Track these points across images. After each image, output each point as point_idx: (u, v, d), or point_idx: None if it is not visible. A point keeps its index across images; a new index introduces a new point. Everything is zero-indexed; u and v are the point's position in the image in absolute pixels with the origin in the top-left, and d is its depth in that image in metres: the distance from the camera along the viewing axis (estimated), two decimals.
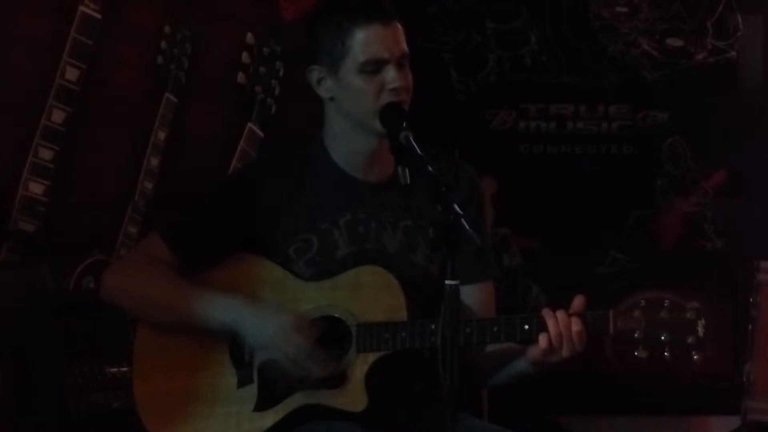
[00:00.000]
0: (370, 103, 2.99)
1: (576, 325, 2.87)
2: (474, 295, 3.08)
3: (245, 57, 4.54)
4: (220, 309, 3.02)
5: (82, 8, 4.08)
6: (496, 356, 3.05)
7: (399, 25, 3.04)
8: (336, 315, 3.01)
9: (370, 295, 2.99)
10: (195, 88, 4.43)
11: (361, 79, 3.00)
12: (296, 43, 4.53)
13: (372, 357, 2.97)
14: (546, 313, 2.89)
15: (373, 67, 2.99)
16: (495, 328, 2.91)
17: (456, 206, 2.66)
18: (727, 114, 4.93)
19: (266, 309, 3.01)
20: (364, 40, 2.99)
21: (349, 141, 3.09)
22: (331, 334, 3.02)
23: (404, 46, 3.03)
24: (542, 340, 2.88)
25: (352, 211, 3.10)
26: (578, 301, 2.91)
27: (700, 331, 2.84)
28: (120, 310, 3.20)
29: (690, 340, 2.85)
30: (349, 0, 3.03)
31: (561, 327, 2.86)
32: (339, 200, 3.10)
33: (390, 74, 2.99)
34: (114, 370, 3.86)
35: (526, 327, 2.90)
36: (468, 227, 2.63)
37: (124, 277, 3.14)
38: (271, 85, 4.58)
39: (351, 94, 3.02)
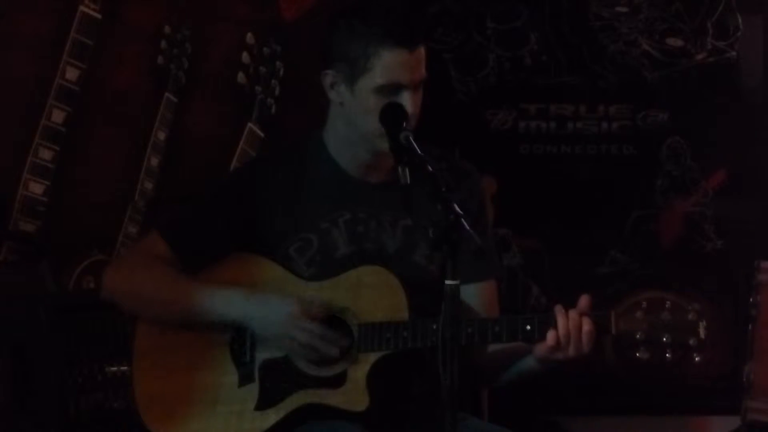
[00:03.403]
0: (378, 123, 2.97)
1: (587, 325, 2.86)
2: (476, 294, 3.07)
3: (245, 57, 4.54)
4: (224, 303, 3.02)
5: (82, 8, 4.08)
6: (503, 355, 3.05)
7: (423, 50, 3.00)
8: (337, 315, 3.01)
9: (372, 295, 2.99)
10: (195, 88, 4.43)
11: (375, 99, 2.97)
12: (296, 43, 4.55)
13: (373, 357, 2.97)
14: (558, 309, 2.88)
15: (389, 91, 2.97)
16: (497, 328, 2.91)
17: (456, 206, 2.65)
18: (727, 114, 4.93)
19: (270, 300, 3.01)
20: (388, 64, 2.95)
21: (351, 146, 3.09)
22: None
23: (424, 71, 3.00)
24: (550, 337, 2.87)
25: (351, 211, 3.09)
26: (584, 301, 2.90)
27: (702, 332, 2.84)
28: (120, 308, 3.20)
29: (691, 341, 2.84)
30: (379, 14, 2.98)
31: (570, 326, 2.86)
32: (339, 199, 3.09)
33: (405, 100, 2.96)
34: (114, 369, 3.85)
35: (528, 327, 2.89)
36: (468, 227, 2.62)
37: (124, 275, 3.14)
38: (271, 85, 4.58)
39: (362, 110, 3.00)
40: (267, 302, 3.01)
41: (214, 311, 3.03)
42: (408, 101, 2.96)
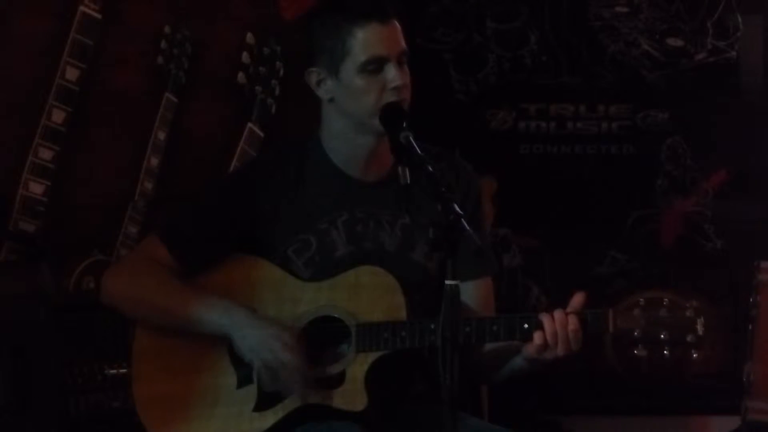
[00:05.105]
0: (372, 102, 2.99)
1: (572, 324, 2.87)
2: (473, 292, 3.08)
3: (245, 57, 4.54)
4: (215, 312, 3.02)
5: (82, 8, 4.08)
6: (495, 353, 3.05)
7: (397, 23, 3.04)
8: (335, 315, 3.01)
9: (370, 295, 3.00)
10: (195, 88, 4.42)
11: (362, 79, 3.00)
12: (296, 43, 4.54)
13: (371, 357, 2.97)
14: (543, 314, 2.89)
15: (374, 66, 2.99)
16: (494, 327, 2.91)
17: (456, 206, 2.66)
18: (727, 114, 4.93)
19: (258, 318, 3.01)
20: (364, 40, 2.99)
21: (348, 141, 3.09)
22: (330, 334, 3.02)
23: (403, 44, 3.04)
24: (537, 337, 2.88)
25: (349, 211, 3.10)
26: (577, 299, 2.91)
27: (700, 329, 2.84)
28: (120, 312, 3.20)
29: (689, 338, 2.85)
30: (347, 0, 3.04)
31: (557, 325, 2.87)
32: (337, 200, 3.10)
33: (391, 73, 2.99)
34: (114, 370, 3.86)
35: (526, 326, 2.90)
36: (468, 227, 2.63)
37: (123, 280, 3.14)
38: (271, 85, 4.58)
39: (352, 95, 3.02)
40: (254, 319, 3.00)
41: (206, 321, 3.02)
42: (394, 74, 2.98)
